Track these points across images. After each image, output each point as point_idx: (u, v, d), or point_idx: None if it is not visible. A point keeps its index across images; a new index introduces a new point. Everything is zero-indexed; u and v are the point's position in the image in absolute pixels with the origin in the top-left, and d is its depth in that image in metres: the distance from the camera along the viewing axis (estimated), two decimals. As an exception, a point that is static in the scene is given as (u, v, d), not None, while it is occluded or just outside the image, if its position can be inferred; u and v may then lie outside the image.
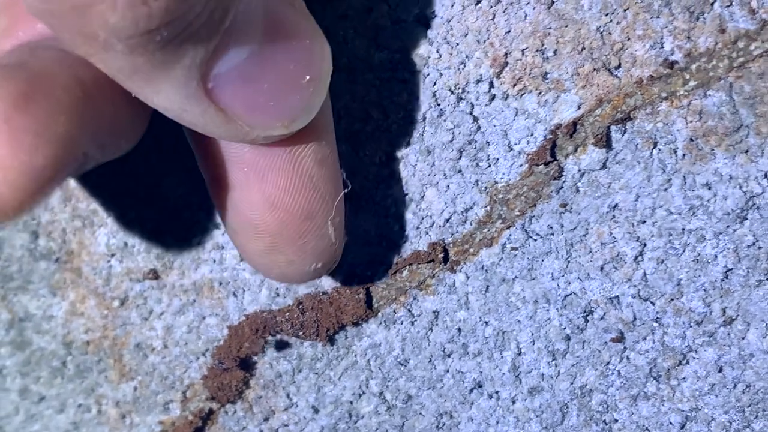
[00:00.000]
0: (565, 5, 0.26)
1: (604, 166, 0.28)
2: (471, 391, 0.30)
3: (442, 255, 0.29)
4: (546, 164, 0.28)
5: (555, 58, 0.27)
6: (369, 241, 0.29)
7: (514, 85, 0.27)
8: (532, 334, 0.30)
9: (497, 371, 0.30)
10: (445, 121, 0.28)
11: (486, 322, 0.30)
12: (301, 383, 0.31)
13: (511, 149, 0.28)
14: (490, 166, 0.28)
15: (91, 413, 0.32)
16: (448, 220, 0.29)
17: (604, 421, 0.30)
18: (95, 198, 0.30)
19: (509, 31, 0.27)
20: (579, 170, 0.28)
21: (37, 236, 0.31)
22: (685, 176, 0.27)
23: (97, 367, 0.32)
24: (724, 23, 0.26)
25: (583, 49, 0.27)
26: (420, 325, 0.30)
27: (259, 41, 0.20)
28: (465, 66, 0.27)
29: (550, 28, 0.26)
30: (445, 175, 0.28)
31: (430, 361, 0.30)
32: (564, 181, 0.28)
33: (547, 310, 0.29)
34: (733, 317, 0.29)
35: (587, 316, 0.29)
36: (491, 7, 0.27)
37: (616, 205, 0.28)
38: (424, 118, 0.28)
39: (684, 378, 0.29)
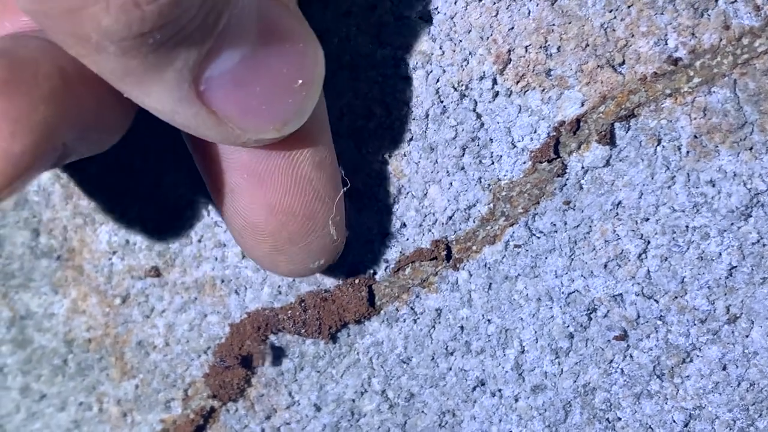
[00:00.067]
0: (569, 2, 0.26)
1: (607, 164, 0.28)
2: (474, 389, 0.30)
3: (444, 252, 0.29)
4: (549, 161, 0.28)
5: (558, 55, 0.27)
6: (371, 238, 0.29)
7: (518, 81, 0.27)
8: (535, 332, 0.29)
9: (500, 369, 0.30)
10: (448, 118, 0.28)
11: (489, 320, 0.30)
12: (303, 381, 0.31)
13: (515, 146, 0.28)
14: (493, 163, 0.28)
15: (92, 411, 0.32)
16: (451, 218, 0.29)
17: (608, 419, 0.30)
18: (97, 195, 0.30)
19: (512, 28, 0.27)
20: (582, 167, 0.28)
21: (39, 234, 0.31)
22: (689, 173, 0.27)
23: (99, 365, 0.32)
24: (729, 20, 0.26)
25: (587, 45, 0.26)
26: (422, 322, 0.30)
27: (253, 45, 0.20)
28: (468, 63, 0.27)
29: (553, 24, 0.26)
30: (448, 172, 0.28)
31: (433, 359, 0.30)
32: (567, 179, 0.28)
33: (550, 307, 0.29)
34: (738, 315, 0.28)
35: (590, 313, 0.29)
36: (494, 3, 0.26)
37: (619, 203, 0.28)
38: (427, 115, 0.28)
39: (688, 376, 0.29)
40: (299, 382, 0.31)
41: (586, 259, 0.29)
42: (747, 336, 0.29)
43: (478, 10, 0.27)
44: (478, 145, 0.28)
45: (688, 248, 0.28)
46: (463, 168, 0.28)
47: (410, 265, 0.29)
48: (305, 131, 0.23)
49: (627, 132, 0.27)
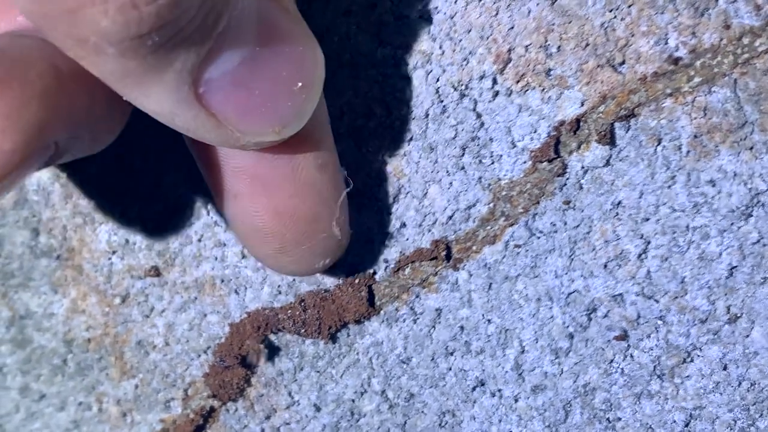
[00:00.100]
0: (569, 1, 0.26)
1: (607, 163, 0.28)
2: (473, 389, 0.30)
3: (444, 252, 0.29)
4: (549, 161, 0.28)
5: (558, 55, 0.27)
6: (371, 238, 0.29)
7: (518, 81, 0.27)
8: (535, 332, 0.29)
9: (500, 369, 0.30)
10: (448, 117, 0.28)
11: (489, 320, 0.30)
12: (302, 381, 0.31)
13: (515, 146, 0.28)
14: (493, 163, 0.28)
15: (91, 411, 0.32)
16: (450, 218, 0.29)
17: (608, 419, 0.30)
18: (96, 195, 0.30)
19: (512, 27, 0.27)
20: (582, 167, 0.28)
21: (38, 233, 0.31)
22: (690, 173, 0.27)
23: (98, 365, 0.32)
24: (729, 19, 0.26)
25: (587, 45, 0.26)
26: (422, 323, 0.30)
27: (252, 47, 0.20)
28: (468, 62, 0.27)
29: (553, 24, 0.26)
30: (447, 172, 0.28)
31: (433, 359, 0.30)
32: (567, 178, 0.28)
33: (550, 308, 0.29)
34: (738, 315, 0.28)
35: (590, 314, 0.29)
36: (494, 3, 0.26)
37: (619, 203, 0.28)
38: (427, 115, 0.28)
39: (688, 376, 0.29)
40: (299, 382, 0.31)
41: (586, 259, 0.29)
42: (747, 336, 0.29)
43: (478, 10, 0.27)
44: (478, 145, 0.28)
45: (688, 248, 0.28)
46: (463, 168, 0.28)
47: (410, 265, 0.29)
48: (307, 134, 0.23)
49: (627, 132, 0.27)
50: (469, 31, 0.27)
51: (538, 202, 0.28)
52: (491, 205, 0.28)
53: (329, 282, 0.30)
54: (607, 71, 0.27)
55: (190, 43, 0.18)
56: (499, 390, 0.30)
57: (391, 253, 0.29)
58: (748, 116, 0.26)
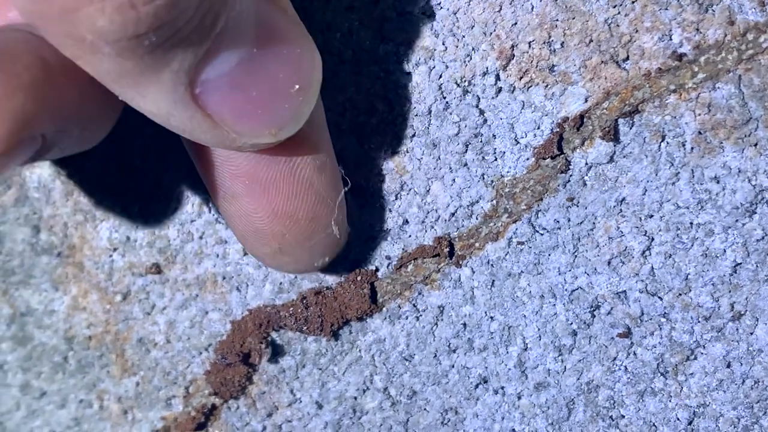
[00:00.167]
0: (573, -3, 0.26)
1: (611, 160, 0.27)
2: (476, 386, 0.30)
3: (447, 249, 0.29)
4: (553, 158, 0.27)
5: (562, 51, 0.27)
6: (373, 235, 0.29)
7: (521, 77, 0.27)
8: (539, 329, 0.29)
9: (503, 366, 0.30)
10: (450, 114, 0.27)
11: (492, 317, 0.29)
12: (304, 379, 0.31)
13: (518, 142, 0.28)
14: (496, 159, 0.28)
15: (92, 409, 0.32)
16: (453, 214, 0.29)
17: (611, 416, 0.30)
18: (97, 192, 0.30)
19: (516, 23, 0.26)
20: (586, 164, 0.28)
21: (39, 230, 0.30)
22: (694, 170, 0.27)
23: (99, 363, 0.32)
24: (734, 15, 0.26)
25: (591, 41, 0.26)
26: (425, 320, 0.30)
27: (250, 48, 0.20)
28: (471, 58, 0.27)
29: (557, 20, 0.26)
30: (450, 168, 0.28)
31: (435, 356, 0.30)
32: (571, 175, 0.28)
33: (554, 305, 0.29)
34: (742, 312, 0.28)
35: (594, 311, 0.29)
36: (498, -2, 0.26)
37: (623, 199, 0.28)
38: (430, 111, 0.28)
39: (692, 374, 0.29)
40: (301, 379, 0.31)
41: (590, 256, 0.28)
42: (751, 333, 0.28)
43: (481, 6, 0.26)
44: (481, 142, 0.28)
45: (692, 245, 0.28)
46: (465, 164, 0.28)
47: (413, 262, 0.29)
48: (305, 136, 0.23)
49: (631, 128, 0.27)
50: (472, 27, 0.27)
51: (541, 199, 0.28)
52: (494, 201, 0.28)
53: (331, 279, 0.30)
54: (611, 67, 0.27)
55: (187, 43, 0.18)
56: (502, 387, 0.30)
57: (394, 250, 0.29)
58: (752, 112, 0.26)
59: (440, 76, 0.27)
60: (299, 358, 0.31)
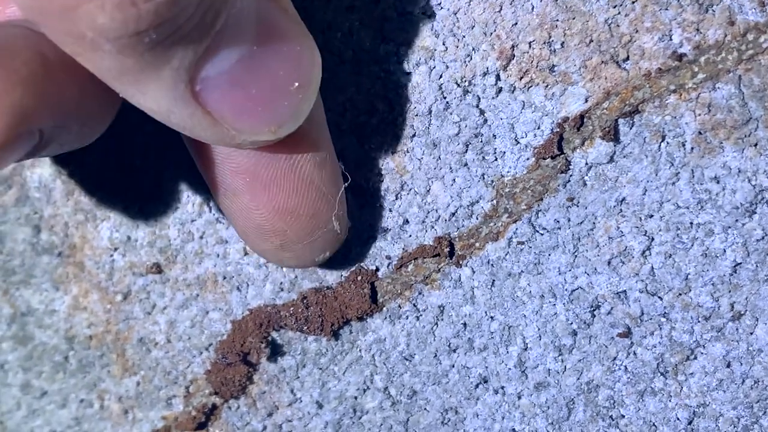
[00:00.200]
0: (573, -3, 0.26)
1: (611, 160, 0.27)
2: (476, 386, 0.30)
3: (447, 249, 0.29)
4: (553, 158, 0.28)
5: (562, 51, 0.27)
6: (374, 235, 0.29)
7: (521, 77, 0.27)
8: (539, 329, 0.29)
9: (503, 366, 0.30)
10: (451, 114, 0.27)
11: (492, 317, 0.29)
12: (305, 378, 0.31)
13: (518, 142, 0.28)
14: (496, 159, 0.28)
15: (93, 408, 0.32)
16: (453, 214, 0.29)
17: (611, 416, 0.30)
18: (98, 192, 0.30)
19: (516, 24, 0.26)
20: (586, 164, 0.28)
21: (40, 230, 0.31)
22: (694, 170, 0.27)
23: (100, 362, 0.32)
24: (734, 15, 0.26)
25: (591, 41, 0.26)
26: (425, 319, 0.30)
27: (250, 46, 0.20)
28: (471, 58, 0.27)
29: (557, 20, 0.26)
30: (451, 168, 0.28)
31: (436, 356, 0.30)
32: (571, 175, 0.28)
33: (554, 304, 0.29)
34: (742, 312, 0.28)
35: (594, 310, 0.29)
36: (498, -2, 0.26)
37: (623, 199, 0.28)
38: (430, 111, 0.28)
39: (692, 373, 0.29)
40: (301, 379, 0.31)
41: (590, 256, 0.28)
42: (751, 333, 0.28)
43: (482, 6, 0.26)
44: (481, 142, 0.28)
45: (692, 245, 0.28)
46: (466, 164, 0.28)
47: (413, 261, 0.29)
48: (305, 133, 0.23)
49: (631, 128, 0.27)
50: (473, 27, 0.27)
51: (541, 199, 0.28)
52: (494, 201, 0.28)
53: (332, 279, 0.30)
54: (611, 67, 0.27)
55: (187, 41, 0.18)
56: (502, 387, 0.30)
57: (394, 250, 0.29)
58: (752, 112, 0.26)
59: (440, 76, 0.27)
60: (299, 357, 0.31)
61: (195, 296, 0.31)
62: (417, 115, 0.28)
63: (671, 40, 0.26)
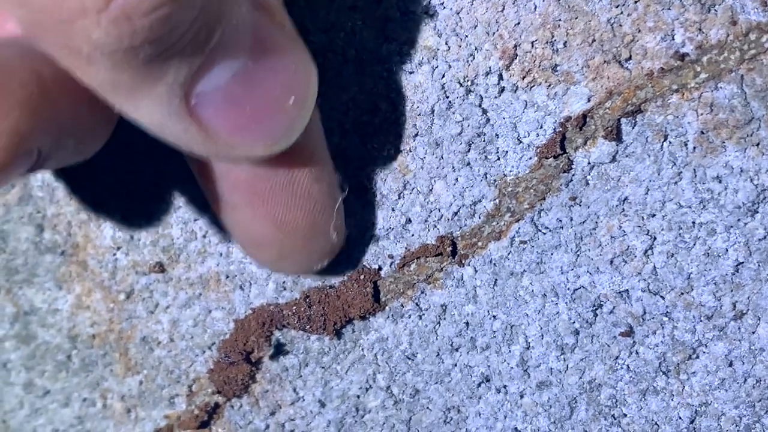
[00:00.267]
0: (576, -4, 0.26)
1: (614, 159, 0.28)
2: (479, 385, 0.30)
3: (450, 248, 0.29)
4: (555, 157, 0.28)
5: (565, 51, 0.27)
6: (376, 234, 0.29)
7: (524, 77, 0.27)
8: (541, 328, 0.29)
9: (505, 365, 0.30)
10: (453, 113, 0.28)
11: (494, 316, 0.29)
12: (307, 377, 0.31)
13: (521, 142, 0.28)
14: (499, 158, 0.28)
15: (96, 407, 0.32)
16: (456, 213, 0.29)
17: (613, 415, 0.30)
18: (101, 191, 0.30)
19: (519, 23, 0.27)
20: (589, 163, 0.28)
21: (43, 229, 0.31)
22: (696, 169, 0.27)
23: (103, 361, 0.32)
24: (736, 15, 0.26)
25: (594, 41, 0.26)
26: (428, 318, 0.30)
27: (245, 61, 0.20)
28: (474, 58, 0.27)
29: (560, 19, 0.26)
30: (453, 167, 0.28)
31: (438, 355, 0.30)
32: (573, 174, 0.28)
33: (556, 304, 0.29)
34: (744, 311, 0.28)
35: (596, 310, 0.29)
36: (501, -2, 0.26)
37: (626, 199, 0.28)
38: (433, 111, 0.28)
39: (694, 372, 0.29)
40: (304, 378, 0.31)
41: (592, 255, 0.28)
42: (753, 332, 0.29)
43: (484, 6, 0.27)
44: (484, 141, 0.28)
45: (694, 244, 0.28)
46: (468, 164, 0.28)
47: (415, 260, 0.29)
48: (302, 147, 0.23)
49: (633, 128, 0.27)
50: (475, 26, 0.27)
51: (543, 198, 0.28)
52: (497, 201, 0.28)
53: (334, 278, 0.30)
54: (614, 67, 0.27)
55: (182, 56, 0.18)
56: (505, 386, 0.30)
57: (397, 249, 0.29)
58: (754, 112, 0.26)
59: (443, 76, 0.27)
60: (302, 356, 0.31)
61: (198, 295, 0.31)
62: (420, 114, 0.28)
63: (674, 39, 0.26)
